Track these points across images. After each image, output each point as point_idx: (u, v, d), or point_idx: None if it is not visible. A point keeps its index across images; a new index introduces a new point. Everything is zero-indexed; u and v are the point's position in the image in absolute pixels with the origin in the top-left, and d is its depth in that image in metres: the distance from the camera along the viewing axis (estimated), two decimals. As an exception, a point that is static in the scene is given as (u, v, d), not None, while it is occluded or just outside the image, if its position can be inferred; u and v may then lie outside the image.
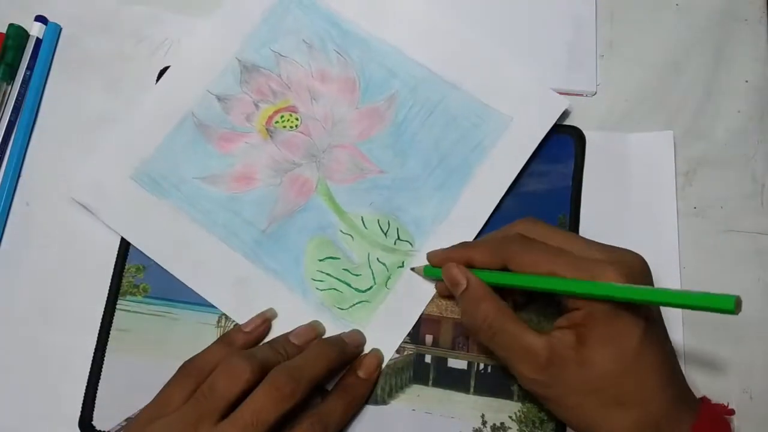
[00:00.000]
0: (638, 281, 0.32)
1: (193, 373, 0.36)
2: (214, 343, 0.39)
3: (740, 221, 0.42)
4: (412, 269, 0.41)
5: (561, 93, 0.44)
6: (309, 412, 0.35)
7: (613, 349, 0.32)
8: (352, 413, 0.38)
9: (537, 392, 0.35)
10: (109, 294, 0.42)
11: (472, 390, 0.39)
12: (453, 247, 0.39)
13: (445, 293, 0.40)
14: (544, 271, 0.33)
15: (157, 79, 0.45)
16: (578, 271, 0.32)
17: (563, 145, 0.43)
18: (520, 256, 0.34)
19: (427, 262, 0.40)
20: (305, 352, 0.37)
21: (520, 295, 0.39)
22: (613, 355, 0.32)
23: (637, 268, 0.33)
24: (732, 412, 0.34)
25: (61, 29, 0.48)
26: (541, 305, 0.40)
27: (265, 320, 0.40)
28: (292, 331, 0.39)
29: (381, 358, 0.40)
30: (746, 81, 0.45)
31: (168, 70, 0.45)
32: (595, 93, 0.45)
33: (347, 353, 0.38)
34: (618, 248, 0.34)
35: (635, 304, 0.32)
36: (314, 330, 0.40)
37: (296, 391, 0.34)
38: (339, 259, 0.42)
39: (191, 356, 0.37)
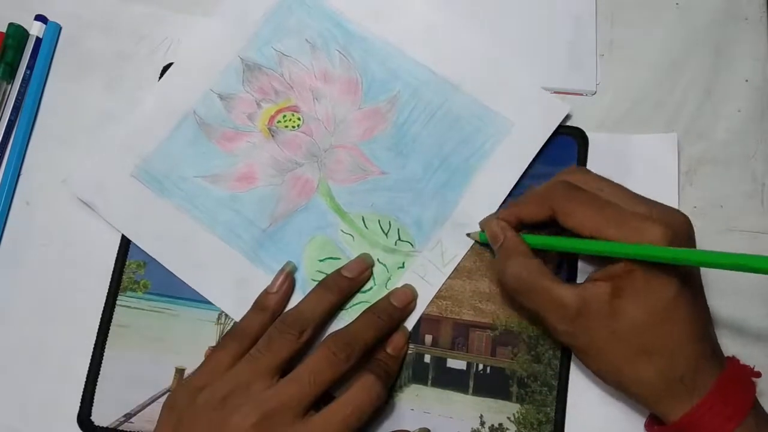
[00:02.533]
0: (682, 240, 0.33)
1: (237, 339, 0.37)
2: (250, 311, 0.39)
3: (740, 221, 0.42)
4: (468, 235, 0.41)
5: (561, 93, 0.44)
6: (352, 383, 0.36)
7: (646, 302, 0.33)
8: (387, 388, 0.38)
9: (566, 343, 0.36)
10: (109, 290, 0.42)
11: (470, 390, 0.39)
12: (502, 208, 0.40)
13: None
14: (590, 225, 0.34)
15: (160, 77, 0.45)
16: (624, 228, 0.33)
17: (565, 146, 0.43)
18: (567, 204, 0.35)
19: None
20: (357, 321, 0.38)
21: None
22: (645, 307, 0.32)
23: (682, 228, 0.34)
24: (759, 374, 0.34)
25: (61, 28, 0.48)
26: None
27: (287, 275, 0.40)
28: (344, 266, 0.40)
29: (408, 335, 0.40)
30: (746, 81, 0.45)
31: (170, 68, 0.45)
32: (595, 92, 0.45)
33: (395, 319, 0.39)
34: (664, 205, 0.35)
35: None
36: (365, 262, 0.41)
37: (350, 356, 0.36)
38: (339, 259, 0.42)
39: (189, 355, 0.40)
